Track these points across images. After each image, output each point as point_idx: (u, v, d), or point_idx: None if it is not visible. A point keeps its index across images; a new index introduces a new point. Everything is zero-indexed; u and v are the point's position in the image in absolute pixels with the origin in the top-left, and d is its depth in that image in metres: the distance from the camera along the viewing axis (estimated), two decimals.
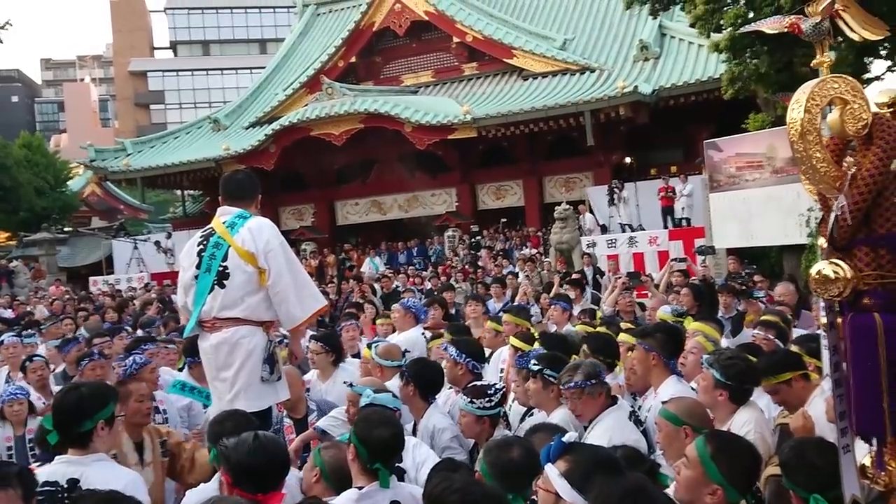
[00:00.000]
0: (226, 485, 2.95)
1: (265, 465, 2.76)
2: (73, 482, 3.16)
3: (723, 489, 2.39)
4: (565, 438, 2.36)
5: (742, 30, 10.39)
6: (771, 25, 2.38)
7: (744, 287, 7.52)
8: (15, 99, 75.60)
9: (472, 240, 13.82)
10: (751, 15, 12.10)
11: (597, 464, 2.31)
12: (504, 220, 23.41)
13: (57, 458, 3.38)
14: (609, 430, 3.43)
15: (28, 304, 17.99)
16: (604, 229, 19.82)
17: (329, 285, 15.01)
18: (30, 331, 8.86)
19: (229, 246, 4.18)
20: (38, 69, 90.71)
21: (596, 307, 8.08)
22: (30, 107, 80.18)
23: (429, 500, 2.29)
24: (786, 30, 2.25)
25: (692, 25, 15.13)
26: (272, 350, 4.20)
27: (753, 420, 3.32)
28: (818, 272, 2.21)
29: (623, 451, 2.65)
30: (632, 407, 3.86)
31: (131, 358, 4.87)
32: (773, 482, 3.16)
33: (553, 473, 2.28)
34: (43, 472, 3.19)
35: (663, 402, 3.26)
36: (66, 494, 3.11)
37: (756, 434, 3.21)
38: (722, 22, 13.22)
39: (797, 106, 2.13)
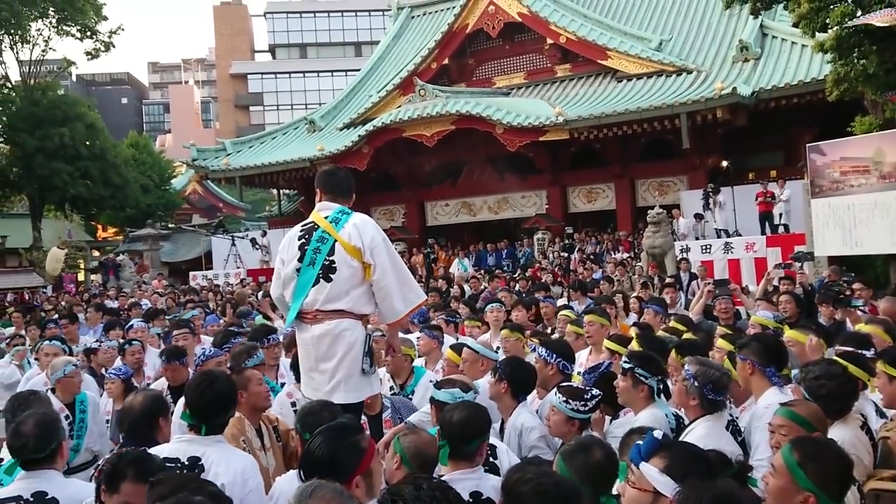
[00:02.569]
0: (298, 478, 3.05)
1: (333, 457, 2.81)
2: (195, 460, 3.30)
3: (815, 496, 2.33)
4: (656, 435, 2.34)
5: (851, 23, 9.99)
6: (882, 18, 2.31)
7: (841, 296, 7.24)
8: (124, 101, 79.33)
9: (566, 242, 13.70)
10: (858, 13, 11.61)
11: (692, 462, 2.28)
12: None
13: (177, 437, 3.54)
14: (706, 437, 3.36)
15: (133, 295, 18.82)
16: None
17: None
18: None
19: (335, 240, 4.25)
20: (146, 72, 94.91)
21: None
22: (138, 108, 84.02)
23: (504, 490, 2.32)
24: None
25: (795, 25, 14.61)
26: (371, 343, 4.28)
27: (847, 441, 3.17)
28: None
29: (712, 455, 2.60)
30: (731, 416, 3.77)
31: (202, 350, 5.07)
32: (871, 496, 3.05)
33: (651, 471, 2.26)
34: (164, 450, 3.35)
35: (781, 404, 3.20)
36: (185, 471, 3.25)
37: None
38: (828, 21, 12.74)
39: None
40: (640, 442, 2.37)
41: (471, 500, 2.90)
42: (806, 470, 2.36)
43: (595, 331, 5.79)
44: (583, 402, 3.72)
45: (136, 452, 2.99)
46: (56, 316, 11.95)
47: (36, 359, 7.68)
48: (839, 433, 3.16)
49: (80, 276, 31.12)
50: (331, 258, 4.23)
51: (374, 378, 4.38)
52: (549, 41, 26.15)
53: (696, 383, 3.62)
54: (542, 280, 15.37)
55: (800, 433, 2.95)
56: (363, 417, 4.65)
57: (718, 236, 18.60)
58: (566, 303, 9.66)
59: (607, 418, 4.15)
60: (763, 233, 18.27)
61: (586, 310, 6.65)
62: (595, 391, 3.88)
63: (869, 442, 3.27)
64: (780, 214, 18.18)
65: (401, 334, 6.12)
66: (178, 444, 3.44)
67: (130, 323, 8.10)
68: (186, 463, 3.28)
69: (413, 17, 33.82)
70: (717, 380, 3.64)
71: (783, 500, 2.40)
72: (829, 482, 2.34)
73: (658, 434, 2.38)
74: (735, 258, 17.17)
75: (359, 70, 35.40)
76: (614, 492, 2.56)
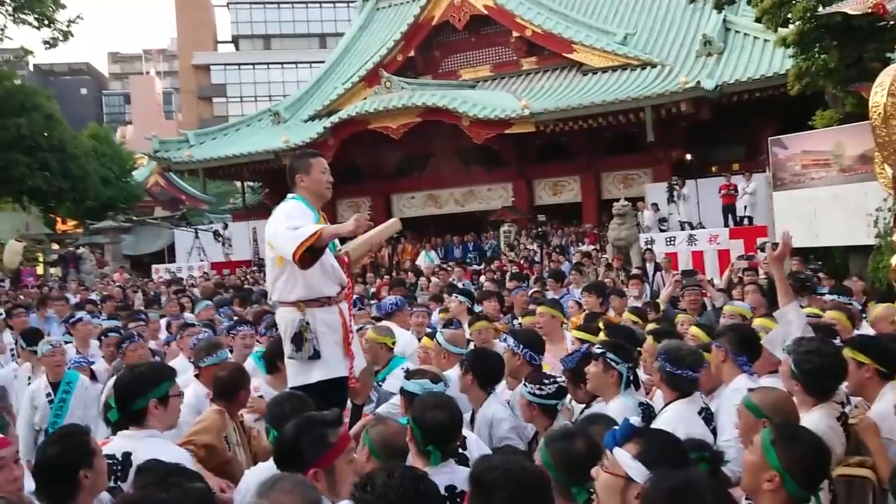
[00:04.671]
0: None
1: (293, 444, 2.78)
2: (126, 455, 3.32)
3: (780, 476, 2.37)
4: (632, 422, 2.34)
5: (825, 11, 10.07)
6: (854, 7, 2.33)
7: (808, 283, 7.33)
8: (84, 91, 77.86)
9: (538, 230, 13.77)
10: (820, 8, 11.76)
11: (665, 448, 2.28)
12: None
13: (119, 433, 3.54)
14: (675, 420, 3.38)
15: (93, 289, 18.50)
16: (662, 222, 19.56)
17: (385, 278, 15.10)
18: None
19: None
20: (106, 62, 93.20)
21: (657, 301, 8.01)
22: (98, 99, 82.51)
23: (472, 479, 2.31)
24: (870, 11, 2.18)
25: (758, 20, 14.78)
26: (299, 328, 4.21)
27: (819, 430, 3.17)
28: None
29: (689, 442, 2.61)
30: (704, 403, 3.80)
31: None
32: (842, 483, 3.09)
33: (624, 457, 2.26)
34: (106, 447, 3.33)
35: (749, 390, 3.22)
36: (119, 467, 3.28)
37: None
38: (790, 16, 12.90)
39: (880, 89, 2.08)
40: (616, 427, 2.36)
41: (446, 494, 2.87)
42: (776, 450, 2.40)
43: (546, 322, 5.79)
44: (538, 387, 3.74)
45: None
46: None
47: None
48: (813, 420, 3.19)
49: (40, 270, 30.54)
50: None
51: (318, 364, 4.25)
52: (515, 34, 26.19)
53: (666, 362, 3.66)
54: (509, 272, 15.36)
55: (748, 418, 3.00)
56: (349, 405, 4.60)
57: (682, 228, 18.80)
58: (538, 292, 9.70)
59: (578, 407, 4.15)
60: (726, 225, 18.51)
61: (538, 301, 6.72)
62: (559, 378, 3.89)
63: (843, 432, 3.30)
64: (745, 207, 18.42)
65: (379, 323, 6.12)
66: (116, 440, 3.48)
67: (78, 316, 7.82)
68: (120, 459, 3.30)
69: (379, 9, 33.64)
70: (675, 352, 3.70)
71: (754, 477, 2.45)
72: (797, 466, 2.37)
73: (635, 420, 2.38)
74: (699, 250, 17.36)
75: (324, 62, 35.18)
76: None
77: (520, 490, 2.13)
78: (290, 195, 4.40)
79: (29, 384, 6.21)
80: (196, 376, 4.88)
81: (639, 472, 2.22)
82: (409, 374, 3.86)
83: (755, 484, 2.44)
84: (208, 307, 8.51)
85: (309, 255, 4.00)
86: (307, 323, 4.22)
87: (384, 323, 6.12)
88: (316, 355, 4.23)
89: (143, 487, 2.40)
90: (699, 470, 2.30)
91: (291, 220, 4.13)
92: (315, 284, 4.25)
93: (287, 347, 4.28)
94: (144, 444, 3.35)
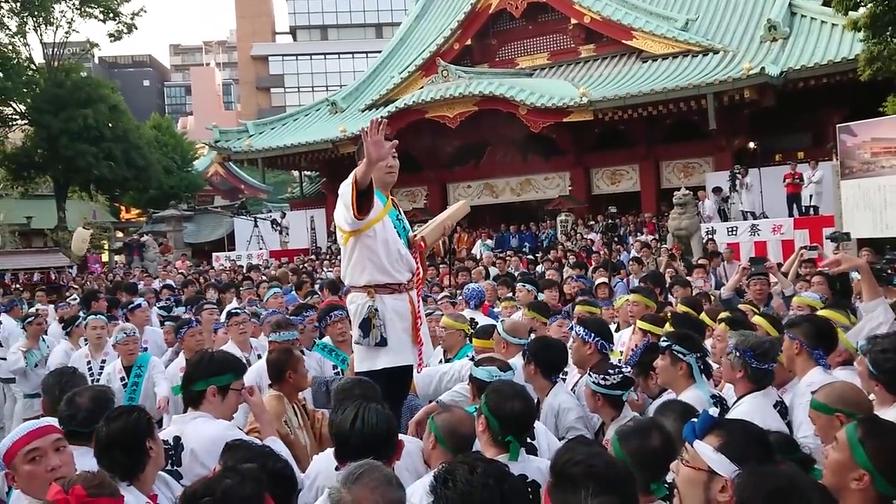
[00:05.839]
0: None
1: (364, 442, 2.81)
2: (177, 439, 3.38)
3: (869, 475, 2.25)
4: (710, 412, 2.27)
5: None
6: None
7: (884, 274, 7.08)
8: (146, 83, 79.74)
9: (610, 221, 13.58)
10: None
11: (750, 441, 2.21)
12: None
13: (173, 417, 3.63)
14: (751, 413, 3.28)
15: (157, 276, 18.93)
16: (722, 215, 19.18)
17: (441, 267, 15.10)
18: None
19: None
20: (168, 55, 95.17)
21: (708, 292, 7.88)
22: (160, 90, 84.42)
23: (553, 471, 2.26)
24: None
25: (826, 3, 14.39)
26: (368, 314, 4.20)
27: None
28: None
29: (776, 437, 2.53)
30: (779, 397, 3.70)
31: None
32: None
33: (706, 450, 2.19)
34: (161, 433, 3.39)
35: (812, 392, 3.10)
36: (172, 451, 3.34)
37: None
38: None
39: None
40: (695, 420, 2.30)
41: None
42: (865, 447, 2.28)
43: (639, 311, 5.73)
44: (603, 377, 3.68)
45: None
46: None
47: (67, 334, 7.82)
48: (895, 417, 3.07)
49: (105, 257, 31.40)
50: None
51: (385, 350, 4.23)
52: (573, 21, 25.87)
53: (738, 354, 3.58)
54: (567, 261, 15.23)
55: (822, 420, 2.90)
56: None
57: (745, 218, 18.38)
58: (605, 280, 9.63)
59: (648, 399, 4.08)
60: (791, 215, 18.04)
61: (632, 289, 6.65)
62: (625, 369, 3.82)
63: None
64: (811, 196, 17.92)
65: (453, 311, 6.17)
66: (171, 426, 3.56)
67: (137, 303, 8.02)
68: (171, 443, 3.35)
69: None
70: (761, 346, 3.59)
71: (839, 476, 2.33)
72: (887, 463, 2.26)
73: (713, 411, 2.31)
74: (762, 240, 16.96)
75: (380, 51, 35.27)
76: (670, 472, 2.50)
77: (604, 486, 2.07)
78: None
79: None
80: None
81: (722, 465, 2.15)
82: (478, 362, 3.83)
83: (841, 483, 2.32)
84: (276, 294, 8.61)
85: (364, 201, 3.97)
86: (376, 309, 4.20)
87: (467, 311, 6.19)
88: (383, 342, 4.21)
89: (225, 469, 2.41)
90: (798, 468, 2.20)
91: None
92: (385, 267, 4.23)
93: (355, 332, 4.29)
94: (192, 426, 3.40)
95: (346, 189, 4.02)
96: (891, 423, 2.48)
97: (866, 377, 3.32)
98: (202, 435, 3.31)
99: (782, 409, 3.61)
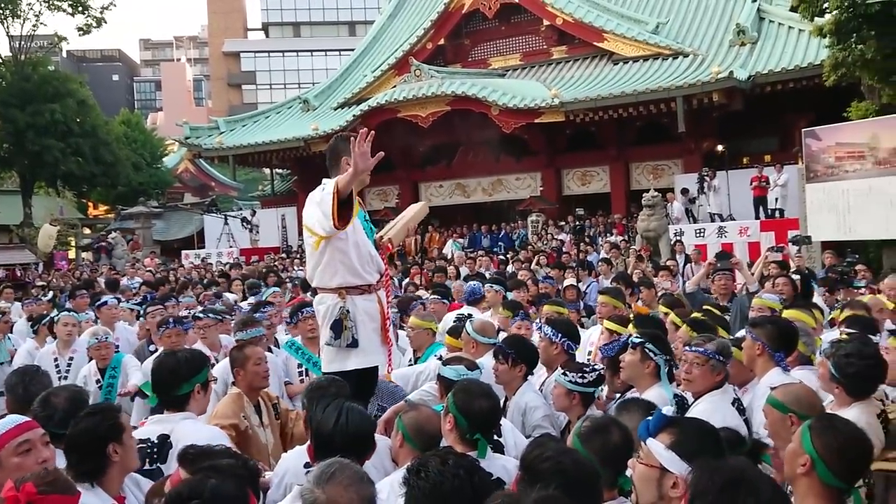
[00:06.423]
0: (308, 454, 3.06)
1: (347, 441, 2.84)
2: (164, 437, 3.38)
3: (811, 461, 2.36)
4: (665, 411, 2.34)
5: (869, 1, 9.94)
6: None
7: (845, 276, 7.24)
8: (116, 78, 78.62)
9: (577, 223, 13.72)
10: None
11: (701, 438, 2.28)
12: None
13: (151, 417, 3.60)
14: (710, 412, 3.37)
15: (125, 274, 18.74)
16: (691, 217, 19.42)
17: (413, 267, 15.13)
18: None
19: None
20: (138, 49, 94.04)
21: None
22: (129, 86, 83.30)
23: (522, 466, 2.32)
24: None
25: (794, 9, 14.59)
26: (339, 316, 4.20)
27: (863, 422, 3.16)
28: None
29: (726, 434, 2.61)
30: (736, 395, 3.79)
31: None
32: (880, 477, 3.06)
33: (658, 447, 2.26)
34: (138, 432, 3.40)
35: (771, 388, 3.19)
36: (155, 449, 3.35)
37: None
38: (826, 5, 12.71)
39: None
40: (650, 418, 2.37)
41: None
42: (812, 435, 2.41)
43: (607, 311, 5.81)
44: (580, 375, 3.75)
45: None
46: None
47: (35, 332, 7.79)
48: (853, 416, 3.16)
49: (72, 254, 30.99)
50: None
51: (356, 352, 4.24)
52: (546, 23, 26.00)
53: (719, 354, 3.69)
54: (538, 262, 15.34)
55: (774, 415, 2.98)
56: None
57: (712, 220, 18.63)
58: (573, 283, 9.73)
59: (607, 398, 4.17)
60: (757, 217, 18.33)
61: (600, 290, 6.75)
62: (598, 366, 3.89)
63: (882, 428, 3.27)
64: (776, 199, 18.21)
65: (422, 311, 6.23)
66: (150, 425, 3.54)
67: (104, 300, 8.01)
68: (156, 441, 3.36)
69: None
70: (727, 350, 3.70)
71: (791, 463, 2.46)
72: (830, 452, 2.36)
73: (668, 410, 2.38)
74: (728, 242, 17.19)
75: (353, 49, 35.18)
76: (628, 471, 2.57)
77: (570, 483, 2.13)
78: (326, 180, 4.29)
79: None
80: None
81: (673, 463, 2.22)
82: (446, 361, 3.87)
83: (791, 471, 2.44)
84: (275, 293, 8.62)
85: (344, 210, 3.94)
86: (348, 311, 4.21)
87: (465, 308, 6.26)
88: (354, 343, 4.23)
89: (193, 472, 2.42)
90: (749, 461, 2.28)
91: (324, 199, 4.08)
92: (357, 269, 4.24)
93: (325, 334, 4.29)
94: (182, 426, 3.42)
95: (324, 197, 3.99)
96: (843, 420, 2.58)
97: (827, 379, 3.40)
98: (200, 436, 3.28)
99: (740, 407, 3.70)
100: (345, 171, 4.21)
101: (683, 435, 2.30)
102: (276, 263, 20.10)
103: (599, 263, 12.02)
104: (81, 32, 33.77)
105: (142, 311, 8.45)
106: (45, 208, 31.57)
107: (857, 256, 12.59)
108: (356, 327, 4.23)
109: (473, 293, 7.34)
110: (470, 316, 5.66)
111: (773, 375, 3.84)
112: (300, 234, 25.20)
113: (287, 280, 12.55)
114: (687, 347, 3.76)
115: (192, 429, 3.42)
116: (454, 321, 5.74)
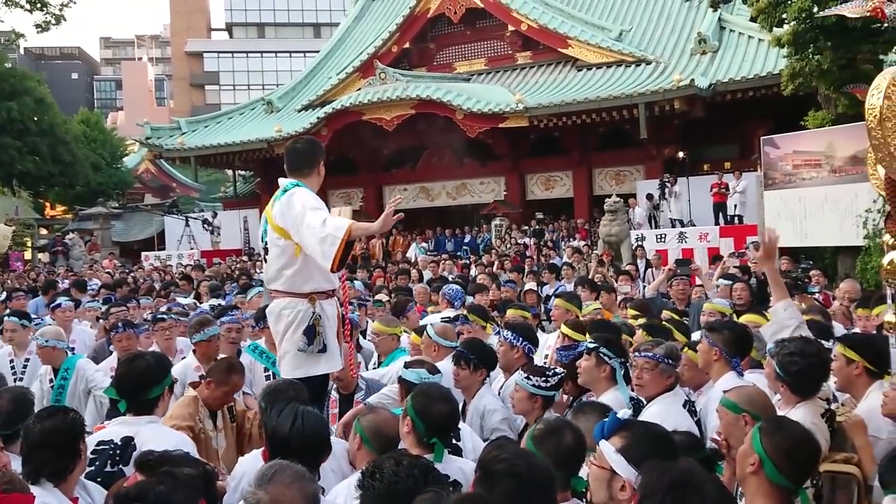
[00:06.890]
0: (262, 457, 3.04)
1: (304, 444, 2.83)
2: (128, 440, 3.32)
3: (760, 461, 2.41)
4: (620, 415, 2.37)
5: (822, 14, 10.13)
6: (853, 10, 2.33)
7: (799, 282, 7.38)
8: (75, 76, 77.31)
9: (536, 227, 13.78)
10: (815, 9, 11.82)
11: (652, 442, 2.32)
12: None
13: (114, 420, 3.54)
14: (663, 414, 3.42)
15: (83, 275, 18.42)
16: (652, 222, 19.65)
17: (376, 271, 15.11)
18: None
19: (268, 219, 4.25)
20: (98, 47, 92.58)
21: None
22: (89, 84, 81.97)
23: (480, 467, 2.34)
24: (868, 14, 2.21)
25: (753, 19, 14.84)
26: (312, 322, 4.18)
27: (808, 422, 3.23)
28: (890, 262, 2.19)
29: (680, 437, 2.65)
30: (687, 396, 3.85)
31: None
32: (827, 478, 3.13)
33: (608, 450, 2.29)
34: (100, 434, 3.37)
35: (724, 391, 3.24)
36: (118, 451, 3.29)
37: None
38: (785, 16, 12.95)
39: (877, 92, 2.10)
40: (605, 420, 2.40)
41: None
42: (762, 436, 2.46)
43: (561, 315, 5.85)
44: (544, 379, 3.76)
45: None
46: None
47: None
48: (798, 416, 3.22)
49: (28, 255, 30.41)
50: (267, 238, 4.28)
51: (325, 357, 4.25)
52: (511, 28, 26.15)
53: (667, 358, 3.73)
54: (502, 266, 15.41)
55: (728, 416, 3.02)
56: (334, 395, 4.63)
57: (673, 226, 18.87)
58: (533, 287, 9.78)
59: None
60: (717, 223, 18.59)
61: (555, 293, 6.79)
62: (558, 369, 3.92)
63: (827, 429, 3.34)
64: (735, 205, 18.49)
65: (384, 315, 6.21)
66: (113, 426, 3.47)
67: (58, 302, 7.84)
68: (119, 443, 3.31)
69: (374, 0, 33.54)
70: (668, 349, 3.78)
71: (741, 463, 2.51)
72: (779, 453, 2.41)
73: (623, 414, 2.41)
74: (689, 247, 17.41)
75: (318, 51, 35.07)
76: (582, 471, 2.59)
77: (523, 485, 2.15)
78: (293, 181, 4.25)
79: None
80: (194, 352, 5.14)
81: (621, 466, 2.25)
82: (408, 364, 3.88)
83: (742, 470, 2.49)
84: (260, 293, 8.50)
85: (345, 256, 3.95)
86: (319, 316, 4.20)
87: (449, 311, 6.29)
88: (324, 348, 4.23)
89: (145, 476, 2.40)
90: (696, 463, 2.32)
91: (317, 212, 4.05)
92: (329, 276, 4.22)
93: (296, 340, 4.20)
94: (148, 430, 3.38)
95: (331, 234, 3.92)
96: (791, 421, 2.63)
97: (773, 378, 3.48)
98: (167, 441, 3.22)
99: (691, 409, 3.76)
100: (314, 173, 4.31)
101: (634, 439, 2.33)
102: (237, 265, 19.92)
103: (563, 267, 12.11)
104: (40, 30, 33.03)
105: (102, 311, 8.33)
106: (0, 208, 30.93)
107: (811, 263, 12.83)
108: (325, 332, 4.23)
109: (457, 297, 7.32)
110: (395, 320, 5.69)
111: (728, 379, 3.90)
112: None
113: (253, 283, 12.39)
114: (637, 353, 3.82)
115: (158, 433, 3.37)
116: (441, 321, 5.74)
